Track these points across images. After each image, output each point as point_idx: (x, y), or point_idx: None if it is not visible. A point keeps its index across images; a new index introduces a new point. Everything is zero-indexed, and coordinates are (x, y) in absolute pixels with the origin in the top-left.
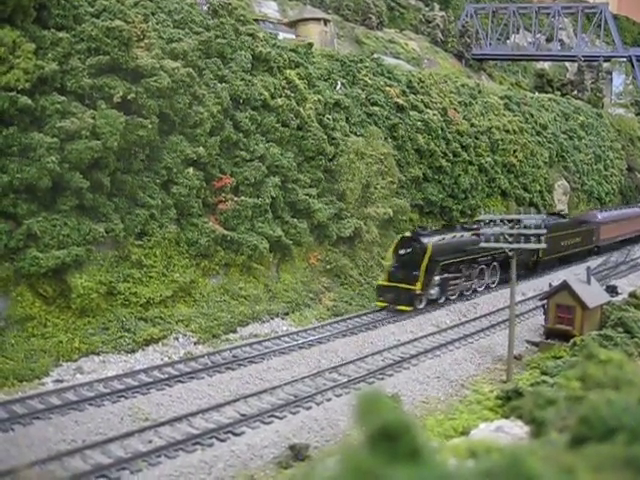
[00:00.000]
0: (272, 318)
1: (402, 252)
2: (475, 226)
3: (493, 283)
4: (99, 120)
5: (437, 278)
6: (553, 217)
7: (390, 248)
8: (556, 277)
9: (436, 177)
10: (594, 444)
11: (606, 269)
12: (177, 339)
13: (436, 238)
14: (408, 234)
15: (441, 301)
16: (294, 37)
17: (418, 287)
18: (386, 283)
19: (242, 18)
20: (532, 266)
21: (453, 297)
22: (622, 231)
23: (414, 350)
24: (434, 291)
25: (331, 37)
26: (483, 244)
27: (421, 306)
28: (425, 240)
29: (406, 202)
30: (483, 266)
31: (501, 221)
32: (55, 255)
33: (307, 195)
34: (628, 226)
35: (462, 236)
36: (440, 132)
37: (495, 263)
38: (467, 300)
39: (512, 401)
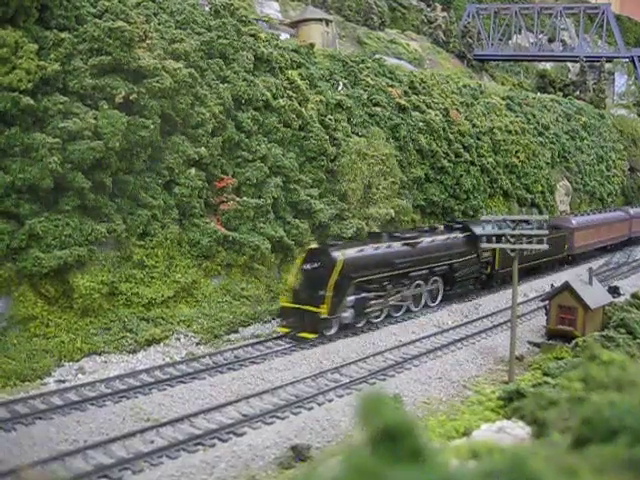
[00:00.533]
0: (274, 318)
1: (308, 267)
2: (409, 235)
3: (434, 301)
4: (101, 120)
5: (351, 298)
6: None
7: (297, 261)
8: (558, 278)
9: (438, 178)
10: (596, 445)
11: (608, 270)
12: (179, 339)
13: (351, 250)
14: (315, 246)
15: (359, 325)
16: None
17: (324, 310)
18: (289, 304)
19: (244, 19)
20: (486, 280)
21: (378, 320)
22: (600, 238)
23: (416, 351)
24: (347, 314)
25: (333, 37)
26: (484, 245)
27: (331, 332)
28: (335, 253)
29: (408, 203)
30: (419, 282)
31: (446, 226)
32: (57, 255)
33: (309, 195)
34: (608, 232)
35: (389, 247)
36: (442, 132)
37: (436, 278)
38: (469, 301)
39: (514, 402)
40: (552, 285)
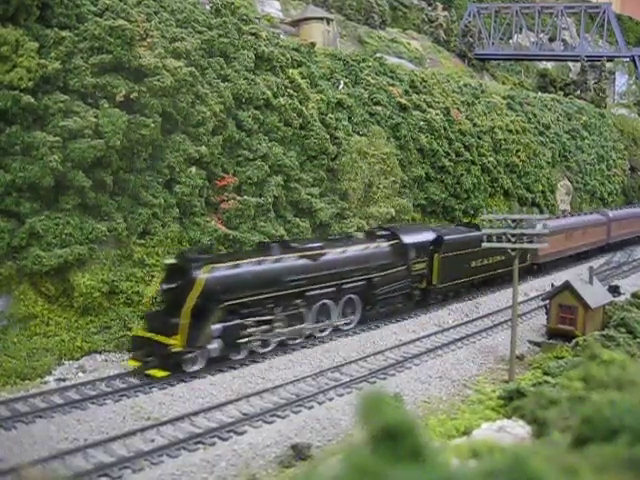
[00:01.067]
0: None
1: (165, 287)
2: (310, 245)
3: (348, 324)
4: (102, 119)
5: (217, 327)
6: (459, 228)
7: (157, 279)
8: (559, 277)
9: (439, 177)
10: (597, 444)
11: (609, 269)
12: None
13: (221, 266)
14: (173, 260)
15: (237, 357)
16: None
17: (178, 342)
18: (141, 333)
19: (245, 17)
20: (420, 296)
21: (265, 350)
22: (572, 244)
23: (416, 350)
24: (214, 345)
25: (334, 36)
26: (485, 244)
27: (193, 368)
28: (196, 271)
29: (409, 202)
30: (326, 301)
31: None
32: (58, 254)
33: (309, 194)
34: (581, 237)
35: (278, 261)
36: (443, 132)
37: (350, 296)
38: (469, 300)
39: (514, 401)
40: (552, 284)
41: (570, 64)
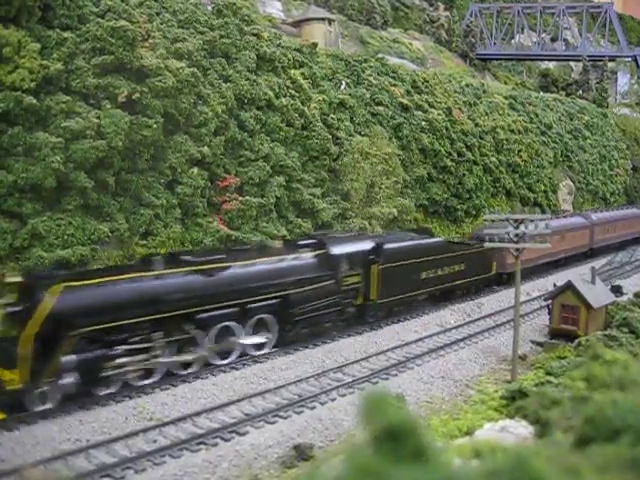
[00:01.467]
0: None
1: (10, 310)
2: (209, 258)
3: (260, 348)
4: (104, 120)
5: (71, 358)
6: (408, 235)
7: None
8: (560, 277)
9: (441, 177)
10: (599, 445)
11: (611, 269)
12: None
13: (76, 285)
14: (17, 279)
15: (106, 392)
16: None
17: (16, 377)
18: None
19: (247, 18)
20: (355, 313)
21: (146, 382)
22: (546, 251)
23: (418, 350)
24: (69, 380)
25: (335, 37)
26: (487, 244)
27: (41, 407)
28: (43, 291)
29: (411, 202)
30: (230, 324)
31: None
32: (60, 254)
33: (311, 195)
34: (559, 243)
35: (159, 277)
36: (445, 132)
37: (262, 316)
38: (471, 300)
39: (517, 401)
40: (555, 284)
41: (572, 64)
